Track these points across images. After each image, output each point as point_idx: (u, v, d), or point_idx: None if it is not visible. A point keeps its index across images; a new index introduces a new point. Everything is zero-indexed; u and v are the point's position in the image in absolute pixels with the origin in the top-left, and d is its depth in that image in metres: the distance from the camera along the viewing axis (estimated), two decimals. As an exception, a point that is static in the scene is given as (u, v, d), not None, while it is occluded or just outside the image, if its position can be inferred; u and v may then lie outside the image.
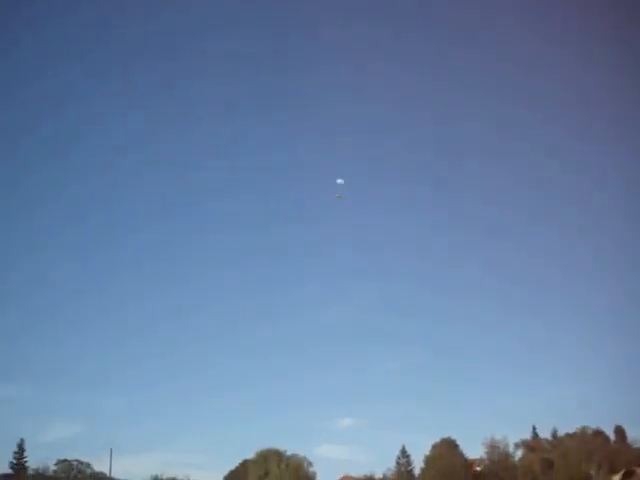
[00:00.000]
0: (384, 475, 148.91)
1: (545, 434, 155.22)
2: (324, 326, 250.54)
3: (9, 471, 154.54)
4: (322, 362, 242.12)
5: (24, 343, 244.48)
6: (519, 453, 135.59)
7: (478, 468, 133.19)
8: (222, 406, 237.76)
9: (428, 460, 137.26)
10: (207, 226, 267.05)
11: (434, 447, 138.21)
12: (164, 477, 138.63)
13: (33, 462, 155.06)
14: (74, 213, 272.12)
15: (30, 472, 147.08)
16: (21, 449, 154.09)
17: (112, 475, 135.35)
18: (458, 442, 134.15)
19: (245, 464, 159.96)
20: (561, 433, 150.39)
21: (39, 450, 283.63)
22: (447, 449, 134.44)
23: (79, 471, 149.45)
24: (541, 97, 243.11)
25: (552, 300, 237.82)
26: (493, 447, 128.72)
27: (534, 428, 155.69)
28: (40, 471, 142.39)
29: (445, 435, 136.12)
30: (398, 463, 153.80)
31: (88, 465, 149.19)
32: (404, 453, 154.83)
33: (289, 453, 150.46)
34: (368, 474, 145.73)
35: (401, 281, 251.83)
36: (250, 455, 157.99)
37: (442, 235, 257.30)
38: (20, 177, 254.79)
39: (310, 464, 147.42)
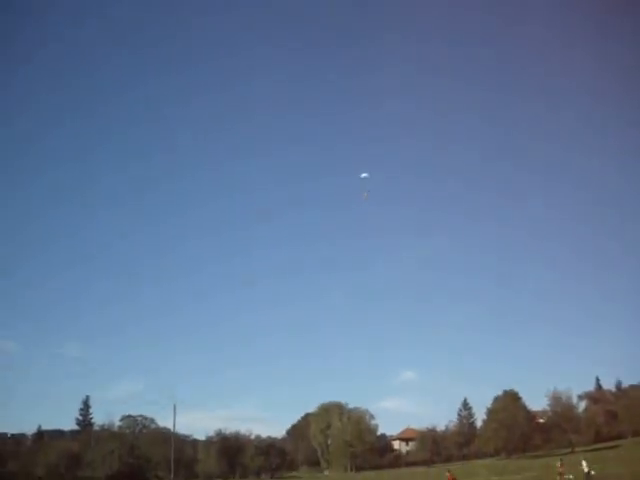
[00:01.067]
0: (446, 427, 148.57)
1: (609, 386, 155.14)
2: (385, 280, 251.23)
3: (76, 427, 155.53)
4: (383, 316, 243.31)
5: (88, 303, 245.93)
6: (582, 405, 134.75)
7: (541, 420, 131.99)
8: (285, 361, 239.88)
9: (490, 412, 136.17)
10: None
11: (496, 399, 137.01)
12: (227, 432, 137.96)
13: (98, 418, 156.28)
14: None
15: (96, 428, 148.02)
16: (87, 406, 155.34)
17: (176, 430, 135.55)
18: (521, 394, 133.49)
19: (307, 418, 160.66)
20: (625, 385, 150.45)
21: (104, 407, 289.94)
22: (509, 401, 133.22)
23: (143, 426, 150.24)
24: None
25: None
26: (556, 399, 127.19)
27: (597, 380, 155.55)
28: (105, 427, 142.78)
29: (507, 387, 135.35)
30: (460, 415, 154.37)
31: (152, 420, 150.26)
32: (466, 405, 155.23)
33: (351, 406, 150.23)
34: (430, 426, 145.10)
35: (463, 238, 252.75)
36: (312, 409, 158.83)
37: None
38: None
39: (372, 417, 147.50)
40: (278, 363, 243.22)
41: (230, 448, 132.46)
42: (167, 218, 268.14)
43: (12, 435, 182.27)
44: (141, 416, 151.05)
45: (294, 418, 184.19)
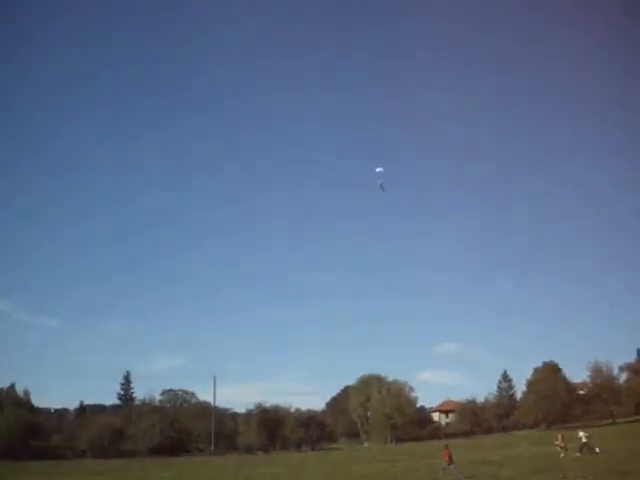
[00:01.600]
0: (485, 399, 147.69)
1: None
2: (430, 251, 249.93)
3: (117, 402, 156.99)
4: (424, 287, 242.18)
5: (128, 280, 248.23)
6: (623, 376, 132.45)
7: (581, 391, 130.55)
8: (324, 334, 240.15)
9: (530, 384, 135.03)
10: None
11: (536, 371, 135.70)
12: (267, 405, 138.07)
13: (139, 393, 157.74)
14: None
15: (137, 403, 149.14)
16: (128, 381, 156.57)
17: (216, 404, 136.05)
18: (561, 366, 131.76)
19: (347, 390, 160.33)
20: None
21: (145, 381, 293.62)
22: (549, 372, 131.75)
23: (184, 400, 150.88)
24: None
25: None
26: (597, 370, 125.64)
27: (638, 351, 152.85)
28: (146, 401, 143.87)
29: (547, 359, 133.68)
30: (499, 387, 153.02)
31: (193, 394, 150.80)
32: (506, 377, 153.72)
33: (390, 379, 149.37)
34: (469, 398, 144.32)
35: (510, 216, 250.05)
36: (352, 382, 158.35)
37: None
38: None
39: (411, 389, 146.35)
40: (318, 336, 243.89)
41: (270, 421, 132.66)
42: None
43: (55, 410, 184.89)
44: (181, 390, 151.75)
45: (334, 391, 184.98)
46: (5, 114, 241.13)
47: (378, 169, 42.65)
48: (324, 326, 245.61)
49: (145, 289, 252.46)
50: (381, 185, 42.93)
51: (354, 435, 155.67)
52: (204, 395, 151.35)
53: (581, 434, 49.18)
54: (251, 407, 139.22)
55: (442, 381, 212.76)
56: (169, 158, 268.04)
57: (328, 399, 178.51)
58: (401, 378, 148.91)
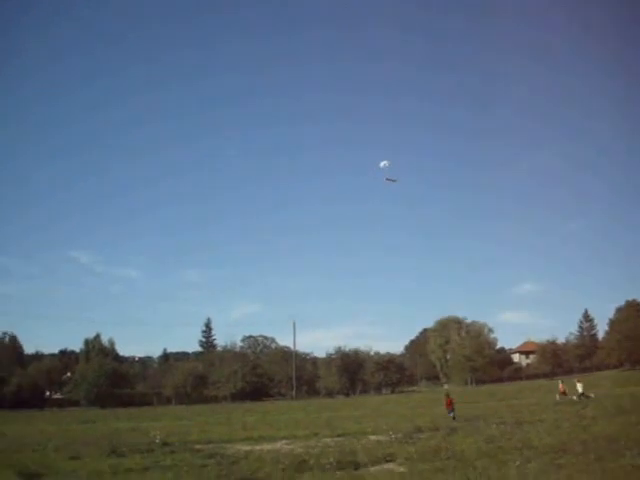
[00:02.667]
0: (567, 340, 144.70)
1: None
2: (505, 190, 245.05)
3: (199, 349, 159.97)
4: (502, 227, 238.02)
5: (206, 232, 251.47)
6: None
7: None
8: (402, 277, 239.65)
9: (612, 323, 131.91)
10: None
11: (618, 310, 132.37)
12: (347, 349, 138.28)
13: (220, 340, 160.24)
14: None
15: (218, 349, 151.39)
16: (209, 328, 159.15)
17: (296, 349, 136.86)
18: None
19: (425, 333, 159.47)
20: None
21: (225, 328, 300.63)
22: (633, 312, 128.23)
23: (264, 346, 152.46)
24: None
25: None
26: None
27: None
28: (228, 348, 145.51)
29: (630, 298, 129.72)
30: (581, 327, 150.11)
31: (273, 340, 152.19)
32: (587, 317, 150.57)
33: (469, 321, 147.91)
34: (550, 339, 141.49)
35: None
36: (430, 324, 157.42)
37: None
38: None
39: (491, 330, 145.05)
40: (395, 279, 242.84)
41: (350, 364, 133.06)
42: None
43: (139, 358, 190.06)
44: (262, 336, 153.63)
45: (412, 334, 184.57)
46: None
47: (383, 163, 40.12)
48: (401, 269, 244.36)
49: (223, 239, 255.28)
50: (387, 179, 40.49)
51: (434, 378, 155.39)
52: (284, 340, 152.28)
53: (579, 386, 49.94)
54: (331, 351, 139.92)
55: (522, 322, 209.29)
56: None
57: (407, 342, 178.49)
58: (480, 319, 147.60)
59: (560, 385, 53.06)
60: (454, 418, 38.86)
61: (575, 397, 48.85)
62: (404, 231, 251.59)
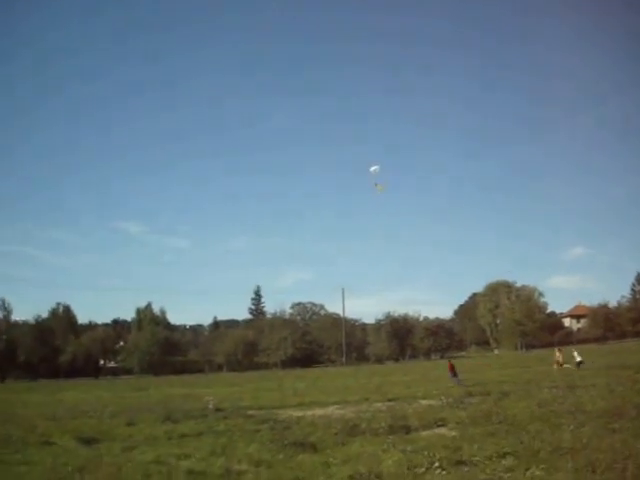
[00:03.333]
0: (618, 303, 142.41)
1: None
2: (557, 152, 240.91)
3: (249, 317, 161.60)
4: (552, 190, 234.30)
5: (253, 198, 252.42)
6: None
7: None
8: (450, 241, 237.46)
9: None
10: None
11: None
12: (396, 315, 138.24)
13: (270, 307, 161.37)
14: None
15: (268, 317, 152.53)
16: (258, 296, 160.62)
17: (345, 315, 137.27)
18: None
19: (475, 298, 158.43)
20: None
21: (274, 295, 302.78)
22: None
23: (313, 313, 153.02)
24: None
25: None
26: None
27: None
28: (277, 315, 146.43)
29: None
30: (633, 291, 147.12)
31: (322, 307, 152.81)
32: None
33: (519, 285, 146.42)
34: (602, 303, 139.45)
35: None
36: (479, 289, 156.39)
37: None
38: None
39: (541, 294, 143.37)
40: (443, 244, 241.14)
41: (399, 330, 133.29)
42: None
43: (190, 327, 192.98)
44: (311, 303, 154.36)
45: (461, 299, 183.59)
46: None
47: (373, 168, 39.02)
48: (449, 233, 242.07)
49: (269, 206, 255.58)
50: (377, 185, 39.26)
51: (483, 343, 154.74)
52: (333, 307, 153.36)
53: (575, 354, 49.47)
54: (380, 317, 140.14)
55: (573, 286, 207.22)
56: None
57: (456, 307, 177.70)
58: (530, 284, 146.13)
59: (557, 353, 52.32)
60: (458, 383, 39.70)
61: (571, 366, 47.90)
62: (452, 194, 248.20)
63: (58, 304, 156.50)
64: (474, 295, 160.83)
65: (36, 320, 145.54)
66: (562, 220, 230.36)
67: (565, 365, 49.46)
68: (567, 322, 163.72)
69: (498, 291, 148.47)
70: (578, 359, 48.74)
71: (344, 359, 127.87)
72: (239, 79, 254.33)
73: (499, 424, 18.23)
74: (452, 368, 43.33)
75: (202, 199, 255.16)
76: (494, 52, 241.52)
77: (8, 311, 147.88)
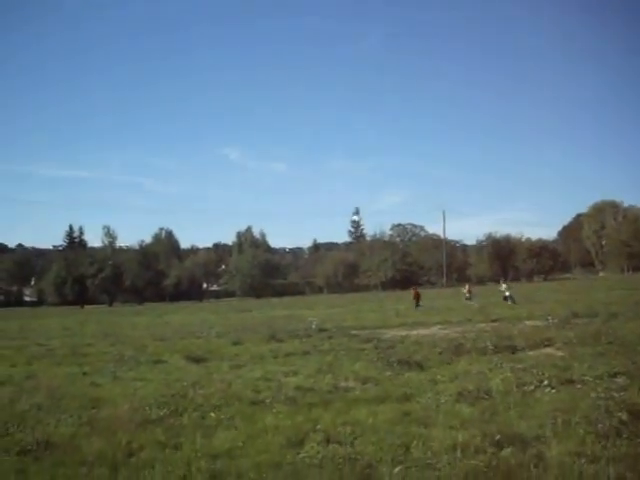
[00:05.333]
0: None
1: None
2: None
3: (348, 239, 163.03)
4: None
5: (350, 120, 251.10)
6: None
7: None
8: (552, 159, 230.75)
9: None
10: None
11: None
12: (498, 236, 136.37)
13: (369, 229, 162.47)
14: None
15: (367, 239, 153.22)
16: (357, 218, 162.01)
17: (445, 236, 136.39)
18: None
19: (579, 219, 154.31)
20: None
21: (374, 217, 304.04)
22: None
23: (413, 234, 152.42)
24: None
25: None
26: None
27: None
28: (377, 237, 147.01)
29: None
30: None
31: (422, 228, 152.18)
32: None
33: (626, 205, 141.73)
34: None
35: None
36: (584, 209, 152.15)
37: None
38: None
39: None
40: (547, 163, 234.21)
41: (501, 251, 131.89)
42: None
43: (290, 250, 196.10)
44: (410, 224, 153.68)
45: (565, 219, 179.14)
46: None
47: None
48: (552, 152, 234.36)
49: (365, 126, 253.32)
50: None
51: (588, 264, 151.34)
52: (433, 229, 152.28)
53: (503, 287, 50.32)
54: (481, 238, 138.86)
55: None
56: None
57: (559, 228, 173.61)
58: (638, 204, 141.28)
59: (466, 288, 53.43)
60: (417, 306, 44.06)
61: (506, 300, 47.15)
62: (558, 106, 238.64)
63: (161, 229, 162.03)
64: (578, 216, 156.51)
65: (140, 246, 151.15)
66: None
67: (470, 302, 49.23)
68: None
69: (604, 211, 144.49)
70: (507, 293, 48.37)
71: (444, 280, 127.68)
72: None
73: (608, 344, 17.84)
74: (417, 296, 46.79)
75: (299, 123, 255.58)
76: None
77: (113, 238, 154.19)
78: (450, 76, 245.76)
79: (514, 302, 45.42)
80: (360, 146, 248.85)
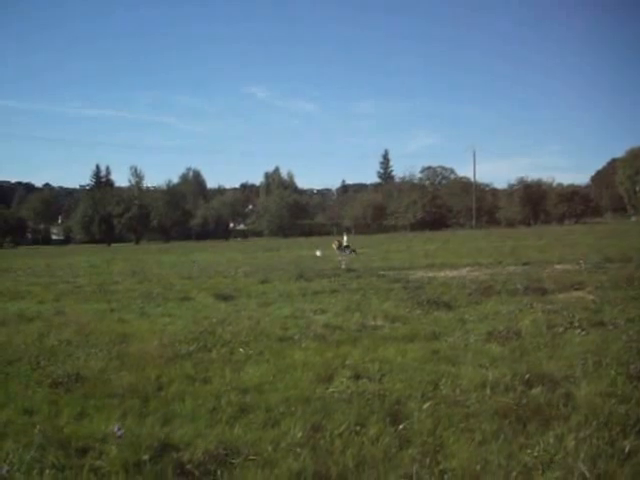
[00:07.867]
0: None
1: None
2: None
3: (377, 181, 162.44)
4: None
5: (379, 61, 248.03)
6: None
7: None
8: (586, 101, 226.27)
9: None
10: None
11: None
12: (529, 180, 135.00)
13: (399, 171, 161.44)
14: None
15: (397, 180, 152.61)
16: (386, 160, 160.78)
17: (476, 179, 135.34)
18: None
19: (613, 164, 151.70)
20: None
21: (403, 160, 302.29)
22: None
23: (443, 177, 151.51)
24: None
25: None
26: None
27: None
28: (406, 179, 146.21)
29: None
30: None
31: (452, 171, 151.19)
32: None
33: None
34: None
35: None
36: (619, 154, 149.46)
37: None
38: None
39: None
40: (580, 105, 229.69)
41: (532, 195, 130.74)
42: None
43: (318, 191, 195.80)
44: (440, 167, 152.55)
45: (598, 164, 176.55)
46: None
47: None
48: (586, 94, 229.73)
49: (395, 65, 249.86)
50: None
51: (620, 209, 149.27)
52: (463, 171, 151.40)
53: (345, 239, 52.36)
54: (512, 182, 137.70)
55: None
56: None
57: (592, 173, 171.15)
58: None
59: (335, 244, 52.13)
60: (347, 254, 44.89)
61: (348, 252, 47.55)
62: (594, 44, 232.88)
63: (188, 169, 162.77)
64: (613, 161, 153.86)
65: (167, 185, 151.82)
66: None
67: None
68: None
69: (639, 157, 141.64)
70: (345, 244, 50.02)
71: (474, 222, 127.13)
72: None
73: (642, 289, 17.66)
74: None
75: (327, 62, 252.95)
76: None
77: (140, 177, 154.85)
78: (483, 12, 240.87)
79: (354, 252, 46.44)
80: (391, 88, 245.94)
